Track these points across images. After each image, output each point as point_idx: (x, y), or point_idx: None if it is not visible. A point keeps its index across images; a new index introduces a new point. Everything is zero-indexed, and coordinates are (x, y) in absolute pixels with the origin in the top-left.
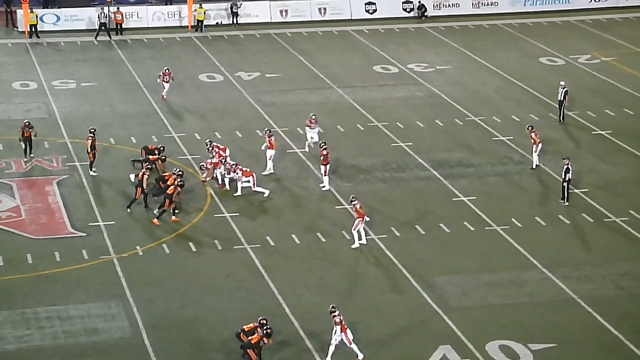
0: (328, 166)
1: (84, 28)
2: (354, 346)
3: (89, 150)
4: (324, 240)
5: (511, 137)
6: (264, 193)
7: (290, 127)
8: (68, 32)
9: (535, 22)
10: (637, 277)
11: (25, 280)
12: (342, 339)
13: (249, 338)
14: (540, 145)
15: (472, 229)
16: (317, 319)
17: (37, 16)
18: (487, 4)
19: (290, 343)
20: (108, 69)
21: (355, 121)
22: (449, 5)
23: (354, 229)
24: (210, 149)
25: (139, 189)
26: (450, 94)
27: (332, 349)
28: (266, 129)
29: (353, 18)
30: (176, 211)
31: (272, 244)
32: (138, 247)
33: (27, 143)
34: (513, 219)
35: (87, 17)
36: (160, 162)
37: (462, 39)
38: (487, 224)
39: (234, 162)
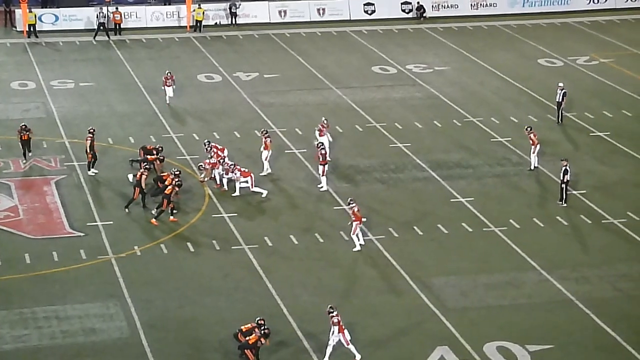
0: (326, 166)
1: (83, 28)
2: (351, 347)
3: (88, 151)
4: (322, 240)
5: (509, 139)
6: (262, 193)
7: (289, 127)
8: (67, 32)
9: (534, 23)
10: (635, 279)
11: (23, 280)
12: (339, 340)
13: (247, 338)
14: (538, 146)
15: (470, 230)
16: (315, 320)
17: (35, 16)
18: (486, 5)
19: (288, 343)
20: (106, 69)
21: (353, 122)
22: (448, 6)
23: (353, 234)
24: (209, 149)
25: (137, 189)
26: (448, 95)
27: (329, 349)
28: (263, 130)
29: (352, 19)
30: (174, 211)
31: (270, 244)
32: (136, 247)
33: (26, 147)
34: (511, 220)
35: (85, 17)
36: (158, 162)
37: (460, 40)
38: (485, 225)
39: (233, 163)
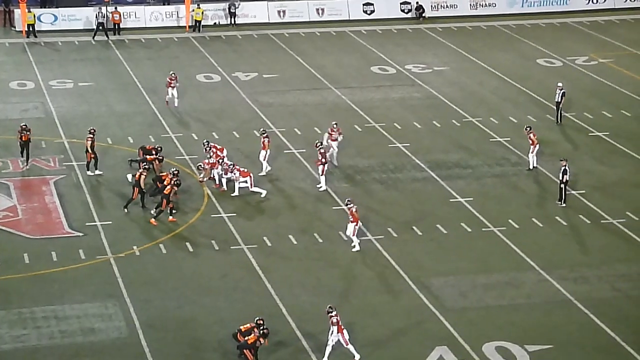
0: (325, 166)
1: (82, 28)
2: (350, 347)
3: (89, 151)
4: (320, 240)
5: (508, 139)
6: (261, 193)
7: (288, 127)
8: (65, 32)
9: (533, 23)
10: (634, 279)
11: (22, 280)
12: (338, 340)
13: (246, 338)
14: (537, 146)
15: (469, 230)
16: (313, 320)
17: (34, 16)
18: (485, 5)
19: (287, 343)
20: (105, 69)
21: (352, 122)
22: (447, 7)
23: (352, 235)
24: (208, 149)
25: (136, 189)
26: (447, 95)
27: (328, 349)
28: (262, 130)
29: (351, 19)
30: (173, 211)
31: (269, 244)
32: (135, 247)
33: (25, 147)
34: (510, 220)
35: (84, 16)
36: (157, 162)
37: (459, 40)
38: (484, 225)
39: (232, 163)
